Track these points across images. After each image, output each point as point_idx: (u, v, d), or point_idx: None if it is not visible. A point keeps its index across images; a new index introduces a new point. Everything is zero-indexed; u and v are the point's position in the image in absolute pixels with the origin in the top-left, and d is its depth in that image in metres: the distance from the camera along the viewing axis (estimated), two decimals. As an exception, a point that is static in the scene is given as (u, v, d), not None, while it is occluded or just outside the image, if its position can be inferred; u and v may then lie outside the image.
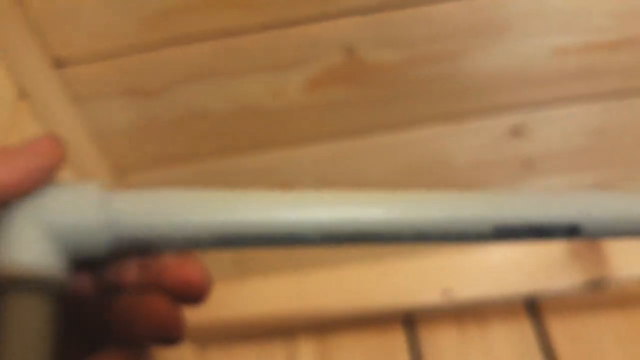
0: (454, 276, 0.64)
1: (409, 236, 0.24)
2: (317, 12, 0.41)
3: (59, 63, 0.42)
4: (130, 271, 0.24)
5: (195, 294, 0.24)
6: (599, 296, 0.64)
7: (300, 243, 0.23)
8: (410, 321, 0.65)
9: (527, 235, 0.25)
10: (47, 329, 0.20)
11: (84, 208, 0.22)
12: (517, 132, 0.52)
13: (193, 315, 0.65)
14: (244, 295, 0.64)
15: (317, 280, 0.65)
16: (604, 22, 0.43)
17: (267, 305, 0.64)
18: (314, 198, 0.24)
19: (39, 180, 0.22)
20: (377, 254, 0.65)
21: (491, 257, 0.64)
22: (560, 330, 0.62)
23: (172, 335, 0.23)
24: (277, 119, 0.48)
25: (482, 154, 0.53)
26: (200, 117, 0.47)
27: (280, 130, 0.49)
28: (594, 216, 0.25)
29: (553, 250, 0.64)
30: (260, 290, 0.65)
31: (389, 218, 0.23)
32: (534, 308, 0.64)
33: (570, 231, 0.25)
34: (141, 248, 0.23)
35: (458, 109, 0.49)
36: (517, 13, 0.42)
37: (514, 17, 0.43)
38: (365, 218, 0.23)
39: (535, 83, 0.48)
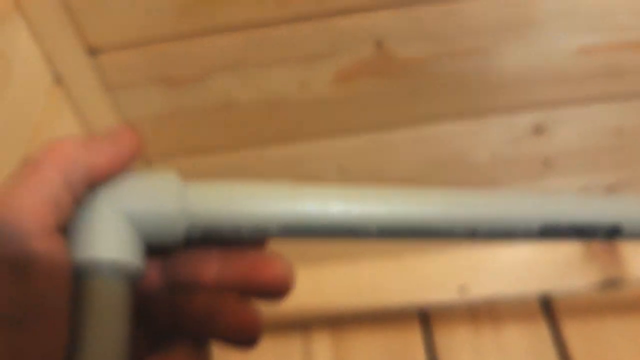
0: (470, 274, 0.65)
1: (461, 232, 0.25)
2: (349, 5, 0.42)
3: (93, 50, 0.43)
4: (210, 267, 0.24)
5: (280, 291, 0.24)
6: (615, 297, 0.64)
7: (359, 236, 0.24)
8: (426, 317, 0.65)
9: (571, 235, 0.26)
10: (124, 313, 0.21)
11: (163, 197, 0.23)
12: (538, 130, 0.52)
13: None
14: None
15: (335, 275, 0.66)
16: (629, 21, 0.44)
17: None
18: (374, 194, 0.25)
19: (122, 167, 0.23)
20: (394, 251, 0.66)
21: (507, 256, 0.65)
22: (574, 330, 0.63)
23: (250, 338, 0.23)
24: (304, 110, 0.48)
25: (503, 150, 0.54)
26: (228, 107, 0.48)
27: (306, 121, 0.50)
28: (634, 218, 0.26)
29: (569, 249, 0.64)
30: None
31: (443, 215, 0.25)
32: (548, 307, 0.65)
33: (611, 232, 0.26)
34: (212, 237, 0.24)
35: (482, 105, 0.50)
36: (544, 11, 0.43)
37: (541, 15, 0.44)
38: (421, 214, 0.24)
39: (559, 81, 0.48)
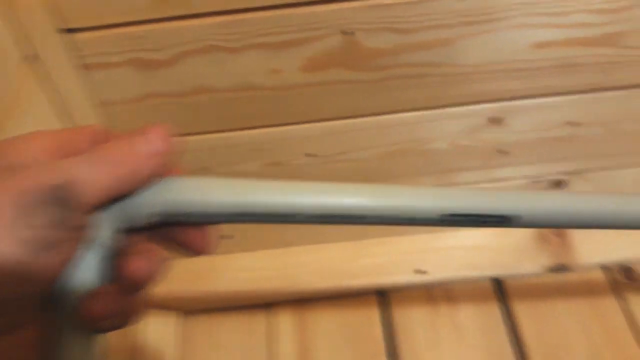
0: (426, 258, 0.68)
1: (372, 220, 0.31)
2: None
3: (66, 29, 0.44)
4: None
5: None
6: (563, 281, 0.68)
7: (288, 221, 0.30)
8: (384, 298, 0.68)
9: (468, 222, 0.32)
10: (102, 267, 0.27)
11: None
12: (495, 120, 0.55)
13: (179, 287, 0.67)
14: (228, 270, 0.67)
15: (299, 259, 0.68)
16: (583, 19, 0.47)
17: (249, 279, 0.66)
18: (301, 186, 0.30)
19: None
20: (356, 236, 0.68)
21: (463, 241, 0.68)
22: (525, 311, 0.66)
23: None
24: (274, 96, 0.50)
25: (461, 139, 0.57)
26: (200, 92, 0.49)
27: (276, 107, 0.51)
28: (523, 209, 0.32)
29: (521, 235, 0.68)
30: (244, 265, 0.67)
31: (358, 206, 0.30)
32: (501, 289, 0.68)
33: (502, 220, 0.32)
34: (177, 221, 0.29)
35: (442, 96, 0.52)
36: (503, 7, 0.46)
37: (500, 11, 0.46)
38: (342, 205, 0.30)
39: (515, 75, 0.51)
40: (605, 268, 0.69)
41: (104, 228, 0.27)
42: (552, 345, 0.63)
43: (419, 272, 0.67)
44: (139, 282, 0.26)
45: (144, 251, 0.27)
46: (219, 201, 0.29)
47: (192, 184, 0.29)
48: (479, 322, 0.65)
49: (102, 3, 0.42)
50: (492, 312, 0.66)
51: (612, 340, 0.63)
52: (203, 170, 0.55)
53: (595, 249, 0.68)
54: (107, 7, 0.43)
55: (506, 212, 0.32)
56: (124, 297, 0.26)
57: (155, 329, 0.64)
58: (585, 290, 0.67)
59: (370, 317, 0.67)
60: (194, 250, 0.30)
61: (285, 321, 0.66)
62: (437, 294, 0.68)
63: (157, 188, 0.28)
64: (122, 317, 0.26)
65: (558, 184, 0.64)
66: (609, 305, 0.66)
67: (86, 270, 0.26)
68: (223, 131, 0.53)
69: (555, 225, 0.34)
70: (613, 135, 0.59)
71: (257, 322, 0.66)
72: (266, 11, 0.44)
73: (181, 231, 0.29)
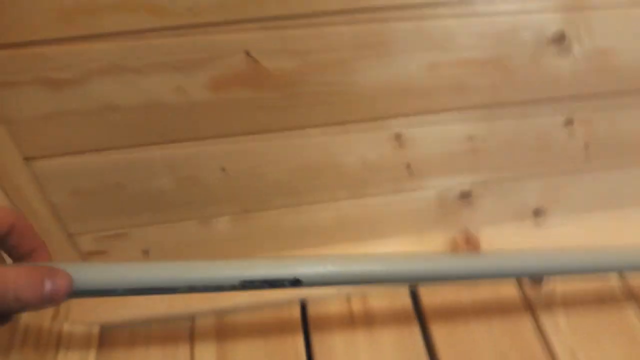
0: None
1: (184, 290, 0.39)
2: (219, 18, 0.46)
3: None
4: None
5: None
6: (476, 292, 0.71)
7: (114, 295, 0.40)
8: (305, 308, 0.70)
9: (265, 286, 0.40)
10: None
11: None
12: (399, 138, 0.58)
13: (98, 301, 0.66)
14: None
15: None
16: (467, 41, 0.50)
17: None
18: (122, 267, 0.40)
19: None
20: (274, 248, 0.70)
21: (380, 251, 0.71)
22: (439, 323, 0.69)
23: None
24: (182, 114, 0.52)
25: (369, 157, 0.59)
26: (109, 110, 0.50)
27: (185, 125, 0.53)
28: (310, 273, 0.41)
29: (435, 245, 0.71)
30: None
31: (172, 279, 0.39)
32: (416, 300, 0.71)
33: (294, 282, 0.41)
34: None
35: (347, 115, 0.55)
36: (396, 31, 0.49)
37: (394, 35, 0.49)
38: (156, 279, 0.39)
39: (413, 94, 0.54)
40: (514, 276, 0.72)
41: None
42: (463, 353, 0.66)
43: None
44: None
45: None
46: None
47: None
48: (394, 334, 0.68)
49: (4, 20, 0.43)
50: (408, 324, 0.69)
51: (519, 346, 0.67)
52: (117, 186, 0.57)
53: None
54: (9, 24, 0.43)
55: (296, 275, 0.40)
56: None
57: (75, 344, 0.64)
58: (496, 301, 0.71)
59: (291, 328, 0.68)
60: None
61: (206, 334, 0.67)
62: (355, 304, 0.70)
63: None
64: None
65: (466, 196, 0.67)
66: (517, 313, 0.70)
67: None
68: (135, 146, 0.54)
69: (341, 283, 0.42)
70: (514, 148, 0.62)
71: (177, 337, 0.67)
72: (165, 33, 0.46)
73: None
